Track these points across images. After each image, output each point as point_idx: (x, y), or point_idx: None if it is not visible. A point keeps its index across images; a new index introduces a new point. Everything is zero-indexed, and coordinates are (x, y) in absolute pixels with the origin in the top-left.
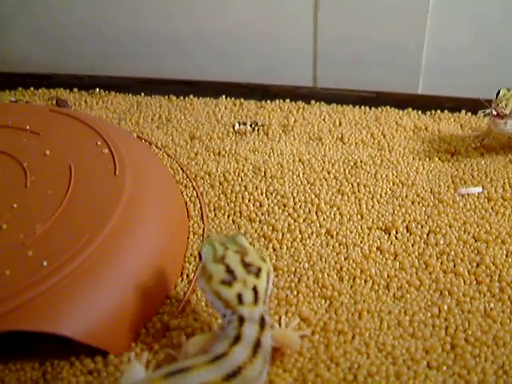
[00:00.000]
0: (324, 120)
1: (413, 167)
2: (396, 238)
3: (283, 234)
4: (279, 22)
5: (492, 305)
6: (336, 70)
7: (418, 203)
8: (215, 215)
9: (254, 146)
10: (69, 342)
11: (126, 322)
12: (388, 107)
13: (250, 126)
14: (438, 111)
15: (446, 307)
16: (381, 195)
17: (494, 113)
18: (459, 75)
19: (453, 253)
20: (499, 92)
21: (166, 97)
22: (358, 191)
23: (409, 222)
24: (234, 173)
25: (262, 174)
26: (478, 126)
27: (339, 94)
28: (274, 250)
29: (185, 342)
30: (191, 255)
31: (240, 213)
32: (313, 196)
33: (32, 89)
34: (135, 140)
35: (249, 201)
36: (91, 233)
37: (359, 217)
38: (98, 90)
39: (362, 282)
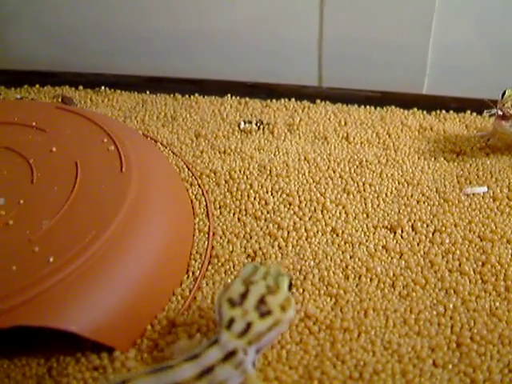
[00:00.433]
0: (329, 119)
1: (418, 167)
2: (401, 236)
3: (289, 232)
4: (285, 21)
5: (497, 304)
6: (341, 70)
7: (424, 202)
8: (221, 213)
9: (260, 144)
10: (75, 338)
11: (131, 318)
12: (393, 107)
13: (256, 124)
14: (444, 111)
15: (451, 306)
16: (386, 194)
17: (500, 113)
18: (464, 75)
19: (458, 252)
20: (505, 92)
21: (172, 95)
22: (364, 190)
23: (414, 221)
24: (240, 171)
25: (268, 172)
26: (483, 126)
27: (344, 94)
28: (280, 248)
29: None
30: (197, 252)
31: (245, 211)
32: (318, 194)
33: (37, 86)
34: (141, 138)
35: (254, 199)
36: (97, 229)
37: (365, 215)
38: (103, 88)
39: (368, 280)
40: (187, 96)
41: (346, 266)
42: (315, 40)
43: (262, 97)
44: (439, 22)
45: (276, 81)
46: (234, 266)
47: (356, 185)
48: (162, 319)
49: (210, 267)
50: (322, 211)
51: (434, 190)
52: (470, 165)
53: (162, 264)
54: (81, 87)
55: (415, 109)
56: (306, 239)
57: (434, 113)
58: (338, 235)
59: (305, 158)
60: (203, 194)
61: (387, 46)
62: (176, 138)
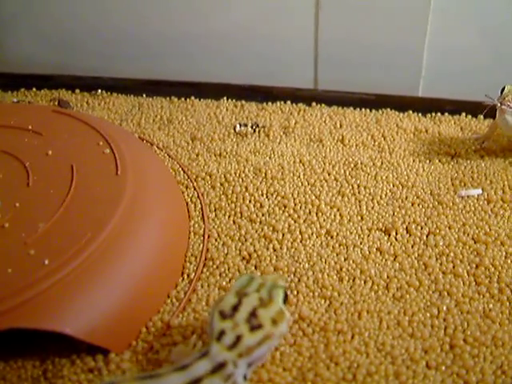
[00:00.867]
0: (325, 122)
1: (413, 169)
2: (396, 239)
3: (283, 235)
4: (281, 24)
5: (491, 305)
6: (337, 73)
7: (418, 205)
8: (216, 216)
9: (255, 147)
10: (70, 340)
11: (126, 320)
12: (388, 109)
13: (251, 127)
14: (439, 114)
15: (445, 308)
16: (381, 197)
17: (503, 107)
18: (460, 78)
19: (452, 254)
20: (504, 88)
21: (168, 98)
22: (359, 193)
23: (408, 223)
24: (235, 174)
25: (263, 175)
26: (478, 128)
27: (340, 97)
28: (275, 250)
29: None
30: (192, 255)
31: (241, 213)
32: (313, 197)
33: (34, 90)
34: (137, 140)
35: (249, 201)
36: (92, 232)
37: (359, 218)
38: (99, 91)
39: (362, 282)
40: (183, 99)
41: (341, 268)
42: (311, 43)
43: (257, 100)
44: (434, 24)
45: (272, 84)
46: (228, 269)
47: (351, 187)
48: (157, 321)
49: (205, 270)
50: (316, 214)
51: (429, 192)
52: (465, 167)
53: (157, 266)
54: (77, 90)
55: (410, 111)
56: (301, 241)
57: (429, 115)
58: (332, 237)
59: (300, 161)
60: (198, 196)
61: (383, 48)
62: (172, 140)
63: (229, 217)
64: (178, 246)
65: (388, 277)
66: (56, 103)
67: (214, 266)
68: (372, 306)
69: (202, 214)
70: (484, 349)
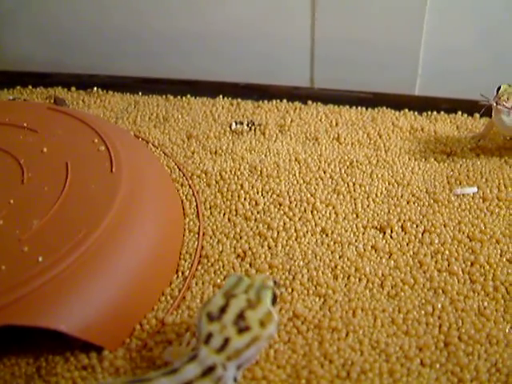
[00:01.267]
0: (321, 120)
1: (408, 167)
2: (391, 236)
3: (278, 233)
4: (277, 22)
5: (486, 303)
6: (333, 71)
7: (414, 203)
8: (211, 213)
9: (251, 145)
10: (64, 337)
11: (121, 317)
12: (384, 108)
13: (247, 125)
14: (435, 112)
15: (439, 305)
16: (376, 195)
17: (499, 107)
18: (456, 76)
19: (447, 252)
20: (499, 88)
21: (164, 96)
22: (354, 190)
23: (404, 221)
24: (231, 172)
25: (258, 173)
26: (474, 127)
27: (336, 95)
28: (270, 248)
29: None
30: (186, 252)
31: (236, 211)
32: (308, 195)
33: (30, 87)
34: (132, 138)
35: (245, 199)
36: (87, 229)
37: (354, 216)
38: (95, 89)
39: (357, 280)
40: (179, 97)
41: (335, 266)
42: (307, 41)
43: (253, 98)
44: (431, 23)
45: (268, 82)
46: (223, 266)
47: (346, 185)
48: (151, 319)
49: (199, 267)
50: (311, 211)
51: (424, 190)
52: (461, 165)
53: (151, 264)
54: (73, 88)
55: (406, 110)
56: (296, 239)
57: (425, 114)
58: (327, 235)
59: (295, 159)
60: (194, 194)
61: (379, 47)
62: (167, 138)
63: (224, 214)
64: (172, 244)
65: (383, 275)
66: (52, 101)
67: (209, 264)
68: (366, 303)
69: (197, 212)
70: (478, 346)
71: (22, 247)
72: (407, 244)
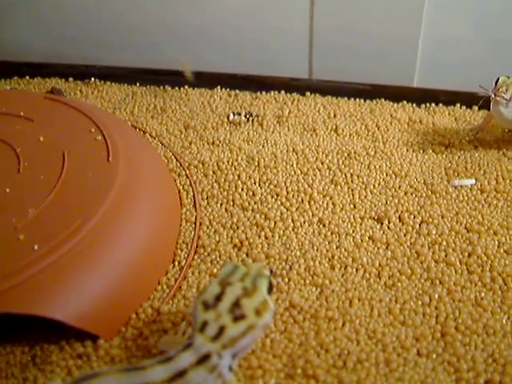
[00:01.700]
0: (319, 112)
1: (406, 159)
2: (388, 227)
3: (275, 223)
4: (275, 13)
5: (483, 294)
6: (332, 62)
7: (411, 194)
8: (208, 203)
9: (248, 136)
10: (59, 325)
11: (116, 306)
12: (383, 100)
13: (245, 116)
14: (433, 104)
15: (436, 296)
16: (374, 185)
17: (497, 98)
18: (455, 68)
19: (445, 243)
20: (498, 79)
21: (162, 87)
22: (352, 181)
23: (401, 212)
24: (228, 162)
25: (256, 163)
26: (472, 119)
27: (334, 86)
28: (266, 238)
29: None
30: (183, 242)
31: (233, 201)
32: (306, 186)
33: (27, 78)
34: (129, 128)
35: (242, 190)
36: (83, 218)
37: (352, 206)
38: (93, 79)
39: (354, 270)
40: (177, 88)
41: (332, 256)
42: (306, 32)
43: (251, 89)
44: (430, 14)
45: (266, 73)
46: (220, 256)
47: (344, 176)
48: (147, 308)
49: (196, 257)
50: (309, 202)
51: (422, 181)
52: (459, 157)
53: (147, 253)
54: (71, 79)
55: (405, 102)
56: (293, 229)
57: (423, 106)
58: (324, 226)
59: (293, 150)
60: (191, 184)
61: (378, 38)
62: (165, 129)
63: (221, 205)
64: (169, 233)
65: (380, 265)
66: (49, 91)
67: (206, 254)
68: (363, 293)
69: (194, 202)
70: (475, 337)
71: (18, 235)
72: (404, 235)
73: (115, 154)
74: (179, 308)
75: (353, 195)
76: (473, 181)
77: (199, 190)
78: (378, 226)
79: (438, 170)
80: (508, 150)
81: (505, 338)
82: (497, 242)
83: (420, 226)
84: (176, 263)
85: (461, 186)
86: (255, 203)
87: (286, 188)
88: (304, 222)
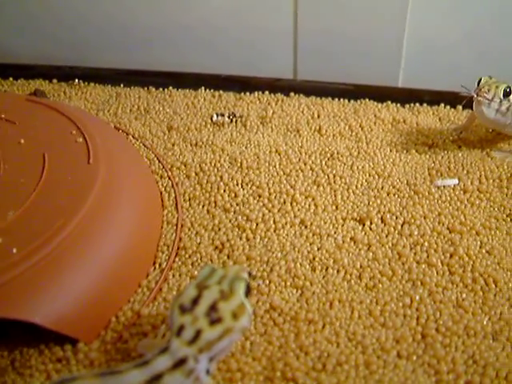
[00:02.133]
0: (302, 112)
1: (389, 159)
2: (370, 228)
3: (257, 224)
4: (260, 14)
5: (464, 295)
6: (316, 63)
7: (394, 194)
8: (190, 205)
9: (232, 137)
10: (38, 329)
11: (96, 310)
12: (367, 100)
13: (228, 117)
14: (417, 104)
15: (417, 297)
16: (356, 186)
17: (479, 98)
18: (439, 68)
19: (426, 244)
20: (480, 80)
21: (146, 88)
22: (334, 182)
23: (384, 212)
24: (211, 163)
25: (238, 164)
26: (456, 119)
27: (319, 87)
28: (248, 239)
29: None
30: (164, 244)
31: (215, 203)
32: (288, 187)
33: (11, 79)
34: (112, 130)
35: (224, 191)
36: (62, 221)
37: (334, 207)
38: (77, 80)
39: (335, 271)
40: (161, 89)
41: (314, 258)
42: (290, 33)
43: (235, 90)
44: (414, 14)
45: (250, 74)
46: (201, 258)
47: (326, 177)
48: (127, 311)
49: (177, 259)
50: (291, 203)
51: (405, 182)
52: (442, 157)
53: (128, 256)
54: (55, 80)
55: (389, 102)
56: (275, 231)
57: (407, 106)
58: (306, 227)
59: (276, 151)
60: (173, 186)
61: (363, 38)
62: (148, 130)
63: (203, 206)
64: (150, 236)
65: (361, 266)
66: (32, 93)
67: (187, 256)
68: (344, 295)
69: (176, 204)
70: (456, 338)
71: None
72: (386, 236)
73: (96, 156)
74: (159, 311)
75: (335, 196)
76: (456, 181)
77: (181, 191)
78: (360, 227)
79: (421, 171)
80: (491, 149)
81: (485, 339)
82: (479, 243)
83: (402, 226)
84: (157, 265)
85: (444, 186)
86: (237, 205)
87: (269, 189)
88: (286, 224)
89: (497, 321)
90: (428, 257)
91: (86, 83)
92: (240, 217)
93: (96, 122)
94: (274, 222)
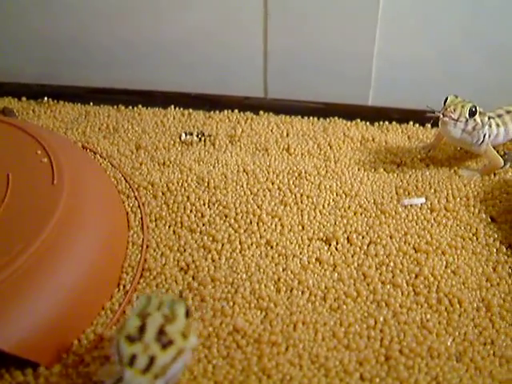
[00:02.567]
0: (272, 131)
1: (357, 178)
2: (336, 248)
3: (223, 245)
4: (230, 32)
5: (428, 316)
6: (287, 81)
7: (361, 214)
8: (156, 225)
9: (200, 156)
10: None
11: (58, 333)
12: (336, 118)
13: (197, 136)
14: (386, 122)
15: (382, 318)
16: (323, 206)
17: (445, 119)
18: (408, 87)
19: (392, 264)
20: (447, 99)
21: (115, 106)
22: (301, 202)
23: (350, 232)
24: (178, 183)
25: (206, 184)
26: (425, 137)
27: (288, 105)
28: (213, 260)
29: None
30: (129, 266)
31: (181, 223)
32: (255, 207)
33: None
34: (78, 149)
35: (190, 211)
36: (24, 243)
37: (300, 228)
38: (46, 98)
39: (299, 293)
40: (131, 107)
41: (278, 279)
42: (260, 51)
43: (205, 108)
44: (383, 33)
45: (220, 92)
46: (165, 280)
47: (294, 196)
48: (90, 333)
49: (141, 280)
50: (257, 223)
51: (372, 201)
52: (410, 176)
53: (91, 278)
54: (24, 98)
55: (358, 120)
56: (240, 252)
57: (376, 124)
58: (272, 247)
59: (244, 170)
60: (139, 206)
61: (333, 57)
62: (116, 149)
63: (169, 227)
64: (114, 257)
65: (326, 287)
66: (1, 111)
67: (151, 277)
68: (308, 317)
69: (142, 224)
70: (419, 360)
71: None
72: (352, 256)
73: (60, 176)
74: None
75: (302, 216)
76: (423, 200)
77: (148, 211)
78: (326, 248)
79: (388, 189)
80: (459, 167)
81: (449, 361)
82: (444, 262)
83: (368, 246)
84: (121, 287)
85: (411, 205)
86: (203, 225)
87: (235, 209)
88: (251, 244)
89: (461, 342)
90: (393, 277)
91: (56, 101)
92: (206, 237)
93: (62, 142)
94: (240, 242)
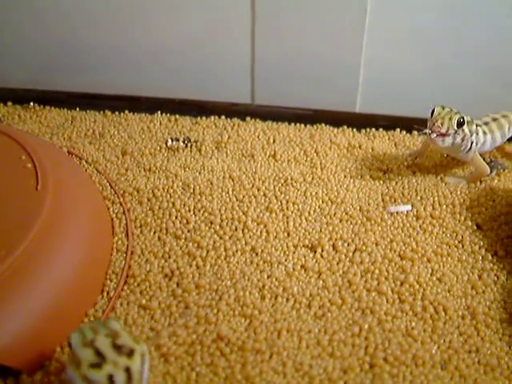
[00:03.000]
0: (258, 137)
1: (343, 185)
2: (321, 256)
3: (208, 252)
4: (217, 38)
5: (413, 324)
6: (274, 87)
7: (346, 221)
8: (141, 232)
9: (186, 162)
10: None
11: (40, 340)
12: (323, 125)
13: (183, 142)
14: (373, 129)
15: (366, 326)
16: (309, 213)
17: (433, 135)
18: (395, 93)
19: (377, 271)
20: (434, 110)
21: (102, 112)
22: (287, 209)
23: (335, 239)
24: (163, 189)
25: (191, 190)
26: (411, 144)
27: (275, 112)
28: (198, 267)
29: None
30: (113, 272)
31: (166, 230)
32: (240, 213)
33: None
34: (63, 155)
35: (176, 218)
36: (6, 250)
37: (286, 234)
38: (32, 104)
39: (284, 300)
40: (117, 113)
41: (263, 286)
42: (248, 57)
43: (192, 114)
44: (370, 39)
45: (207, 98)
46: (150, 286)
47: (279, 203)
48: None
49: (125, 287)
50: (243, 230)
51: (358, 208)
52: (396, 183)
53: (75, 285)
54: (10, 103)
55: (345, 127)
56: (225, 258)
57: (363, 131)
58: (257, 254)
59: (230, 176)
60: (124, 212)
61: (320, 63)
62: (102, 155)
63: (154, 233)
64: (98, 264)
65: (311, 295)
66: None
67: (135, 284)
68: (292, 324)
69: (127, 231)
70: (404, 368)
71: None
72: (337, 263)
73: (44, 182)
74: None
75: (287, 223)
76: (409, 207)
77: (133, 218)
78: (311, 255)
79: (374, 196)
80: (445, 175)
81: (434, 369)
82: (430, 270)
83: (353, 254)
84: (105, 294)
85: (397, 213)
86: (188, 231)
87: (221, 216)
88: (236, 251)
89: (446, 349)
90: (378, 284)
91: (42, 106)
92: (191, 244)
93: (47, 147)
94: (225, 249)
